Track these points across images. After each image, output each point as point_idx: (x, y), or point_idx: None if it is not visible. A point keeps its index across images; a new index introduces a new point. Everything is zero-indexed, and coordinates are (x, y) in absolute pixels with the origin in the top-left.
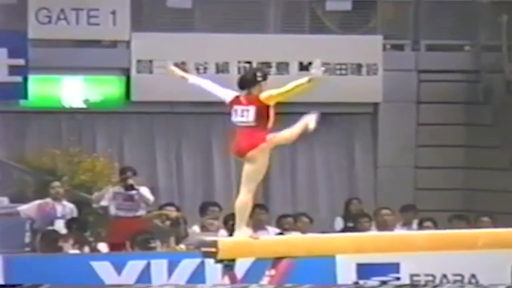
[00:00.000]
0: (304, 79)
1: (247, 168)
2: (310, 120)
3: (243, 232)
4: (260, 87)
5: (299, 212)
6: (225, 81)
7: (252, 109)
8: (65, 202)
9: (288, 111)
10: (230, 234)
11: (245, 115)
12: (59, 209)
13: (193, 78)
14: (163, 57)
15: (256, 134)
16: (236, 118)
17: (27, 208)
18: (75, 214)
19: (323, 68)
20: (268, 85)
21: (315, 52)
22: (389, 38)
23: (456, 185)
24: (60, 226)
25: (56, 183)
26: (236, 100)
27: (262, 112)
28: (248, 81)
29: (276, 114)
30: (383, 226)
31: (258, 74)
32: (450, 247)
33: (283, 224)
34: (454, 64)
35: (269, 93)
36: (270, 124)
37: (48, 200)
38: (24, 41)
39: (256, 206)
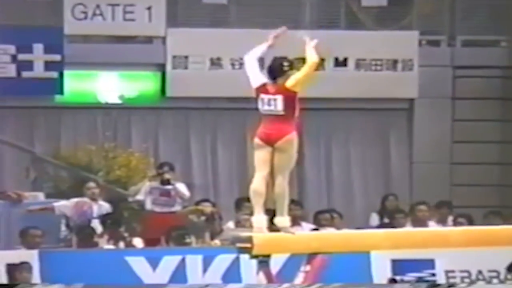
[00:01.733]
0: (309, 53)
1: (277, 158)
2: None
3: (284, 220)
4: (287, 77)
5: (330, 208)
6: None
7: (280, 98)
8: (101, 202)
9: (325, 107)
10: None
11: (272, 104)
12: (95, 208)
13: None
14: (199, 52)
15: (284, 124)
16: (263, 107)
17: (63, 206)
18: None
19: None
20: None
21: (350, 48)
22: (424, 34)
23: (492, 181)
24: (96, 225)
25: (92, 184)
26: (263, 89)
27: (290, 101)
28: (275, 71)
29: (313, 109)
30: (420, 221)
31: (285, 63)
32: (486, 243)
33: (320, 220)
34: (489, 59)
35: (295, 78)
36: (297, 113)
37: (86, 199)
38: (60, 37)
39: (290, 202)
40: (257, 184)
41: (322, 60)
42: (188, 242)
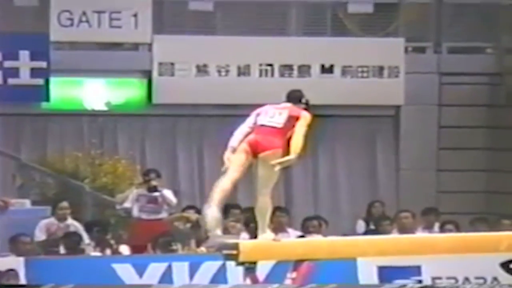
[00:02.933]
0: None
1: (261, 170)
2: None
3: (267, 235)
4: (298, 107)
5: (317, 215)
6: (246, 83)
7: (285, 112)
8: (69, 221)
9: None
10: (252, 237)
11: (276, 116)
12: (62, 228)
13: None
14: (185, 59)
15: (276, 137)
16: (265, 118)
17: (37, 229)
18: (81, 231)
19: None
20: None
21: (336, 54)
22: (410, 40)
23: (478, 187)
24: (82, 232)
25: (64, 204)
26: (271, 106)
27: (293, 120)
28: (294, 98)
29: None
30: (404, 229)
31: (303, 100)
32: (472, 250)
33: (308, 227)
34: (476, 66)
35: (306, 119)
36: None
37: (53, 220)
38: (46, 44)
39: (276, 209)
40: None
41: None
42: (175, 249)
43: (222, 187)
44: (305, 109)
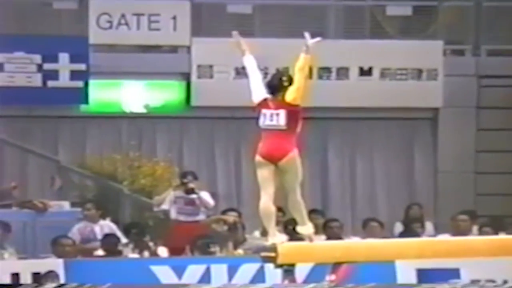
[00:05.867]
0: (301, 55)
1: (283, 177)
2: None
3: (277, 238)
4: (286, 91)
5: (331, 217)
6: None
7: (282, 113)
8: (102, 222)
9: (349, 117)
10: (291, 239)
11: (275, 119)
12: (97, 230)
13: (248, 59)
14: (223, 62)
15: (286, 140)
16: (265, 122)
17: (71, 233)
18: (115, 231)
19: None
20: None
21: (375, 57)
22: (449, 43)
23: None
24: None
25: (88, 205)
26: (264, 104)
27: (293, 116)
28: (275, 86)
29: (338, 119)
30: (459, 231)
31: (284, 78)
32: (511, 253)
33: (332, 229)
34: None
35: (291, 93)
36: (299, 128)
37: (86, 223)
38: (85, 46)
39: (311, 211)
40: (265, 204)
41: (346, 70)
42: (213, 251)
43: (266, 211)
44: (289, 83)
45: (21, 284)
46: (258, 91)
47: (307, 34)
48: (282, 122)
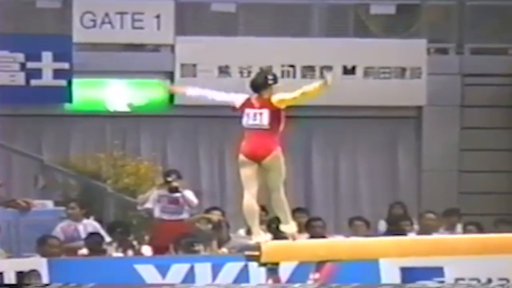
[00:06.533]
0: (316, 84)
1: (267, 176)
2: (327, 77)
3: (261, 237)
4: (271, 90)
5: (314, 216)
6: None
7: (265, 113)
8: (85, 221)
9: (333, 115)
10: (275, 238)
11: (258, 118)
12: (81, 229)
13: (191, 90)
14: (207, 61)
15: (269, 139)
16: (248, 121)
17: (55, 233)
18: (99, 229)
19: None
20: (279, 89)
21: (359, 55)
22: (433, 41)
23: (500, 188)
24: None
25: (72, 204)
26: (248, 103)
27: (275, 115)
28: (259, 85)
29: (321, 117)
30: (427, 229)
31: (269, 77)
32: (495, 251)
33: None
34: (498, 67)
35: (281, 97)
36: (281, 127)
37: (70, 222)
38: (68, 45)
39: (296, 210)
40: (248, 203)
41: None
42: (197, 249)
43: (249, 209)
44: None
45: (5, 285)
46: (234, 95)
47: (328, 75)
48: (265, 122)
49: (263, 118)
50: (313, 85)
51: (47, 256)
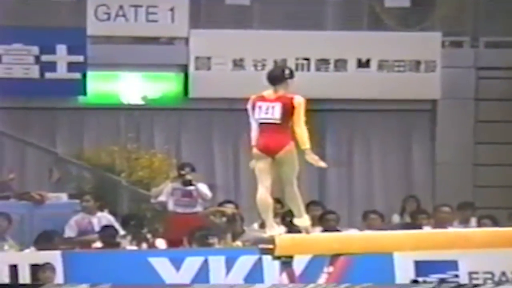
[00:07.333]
0: (309, 157)
1: (280, 170)
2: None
3: (275, 230)
4: (287, 84)
5: (328, 210)
6: None
7: (278, 106)
8: (99, 214)
9: (347, 108)
10: (289, 231)
11: (270, 112)
12: (95, 222)
13: None
14: (221, 54)
15: (282, 134)
16: (260, 115)
17: (68, 227)
18: (113, 222)
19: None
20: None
21: (373, 49)
22: (447, 35)
23: None
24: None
25: (86, 197)
26: (260, 98)
27: (288, 109)
28: (276, 77)
29: (336, 110)
30: (442, 223)
31: (286, 71)
32: (509, 244)
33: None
34: None
35: (301, 105)
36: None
37: (84, 215)
38: (83, 38)
39: (310, 203)
40: (262, 196)
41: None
42: (211, 242)
43: (263, 203)
44: (290, 77)
45: (44, 284)
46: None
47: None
48: (277, 116)
49: (275, 111)
50: (311, 156)
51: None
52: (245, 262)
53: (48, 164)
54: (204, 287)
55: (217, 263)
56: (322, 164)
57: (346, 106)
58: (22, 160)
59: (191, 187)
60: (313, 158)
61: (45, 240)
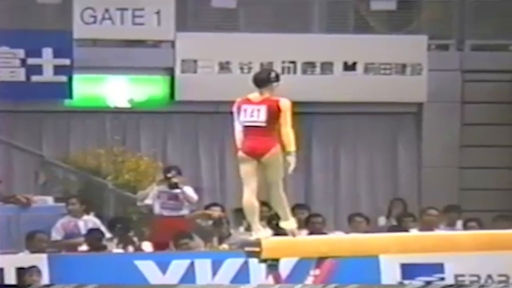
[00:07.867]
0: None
1: (265, 173)
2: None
3: (262, 233)
4: (272, 88)
5: (314, 213)
6: None
7: (264, 109)
8: (85, 217)
9: (333, 111)
10: (276, 234)
11: (255, 114)
12: (81, 225)
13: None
14: (207, 57)
15: (267, 136)
16: (245, 118)
17: (54, 230)
18: (99, 225)
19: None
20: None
21: (359, 52)
22: (433, 38)
23: (501, 185)
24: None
25: (73, 200)
26: (245, 101)
27: (274, 112)
28: (262, 80)
29: (321, 113)
30: (428, 226)
31: (272, 74)
32: (495, 247)
33: (315, 224)
34: (498, 64)
35: (287, 108)
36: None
37: (69, 218)
38: (69, 41)
39: (296, 206)
40: (248, 199)
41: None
42: (191, 246)
43: (249, 205)
44: (276, 80)
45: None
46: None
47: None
48: (263, 118)
49: (261, 114)
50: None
51: (35, 251)
52: (231, 265)
53: (34, 167)
54: (190, 287)
55: (203, 266)
56: (290, 170)
57: (332, 109)
58: (8, 163)
59: (177, 190)
60: (290, 161)
61: (31, 242)
